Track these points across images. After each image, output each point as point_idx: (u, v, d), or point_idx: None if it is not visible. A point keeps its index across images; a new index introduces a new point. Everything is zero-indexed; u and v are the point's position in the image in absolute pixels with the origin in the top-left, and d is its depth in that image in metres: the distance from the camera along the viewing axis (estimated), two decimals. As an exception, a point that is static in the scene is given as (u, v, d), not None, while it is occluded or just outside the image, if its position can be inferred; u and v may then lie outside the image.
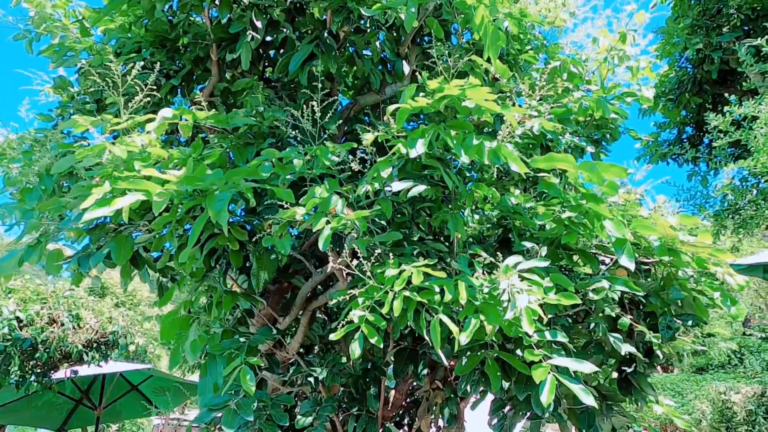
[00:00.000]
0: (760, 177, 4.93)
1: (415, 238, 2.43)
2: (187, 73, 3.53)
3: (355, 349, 1.76)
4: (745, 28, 7.18)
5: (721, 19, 7.22)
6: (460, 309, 2.03)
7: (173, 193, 2.00)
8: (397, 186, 2.19)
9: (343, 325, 1.87)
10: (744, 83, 7.39)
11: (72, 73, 3.74)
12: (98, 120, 2.38)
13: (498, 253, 3.55)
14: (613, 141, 3.74)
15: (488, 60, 2.52)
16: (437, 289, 1.95)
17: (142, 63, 2.45)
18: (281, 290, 3.18)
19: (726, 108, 5.14)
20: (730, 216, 5.51)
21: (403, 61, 3.52)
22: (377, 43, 3.01)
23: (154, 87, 2.78)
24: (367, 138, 2.13)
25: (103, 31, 3.60)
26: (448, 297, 1.90)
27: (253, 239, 2.32)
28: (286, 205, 1.96)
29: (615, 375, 2.77)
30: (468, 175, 3.19)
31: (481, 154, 1.99)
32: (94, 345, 5.15)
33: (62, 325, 4.78)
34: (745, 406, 9.92)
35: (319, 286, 3.12)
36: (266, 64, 3.81)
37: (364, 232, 1.97)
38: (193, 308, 2.45)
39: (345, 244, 2.56)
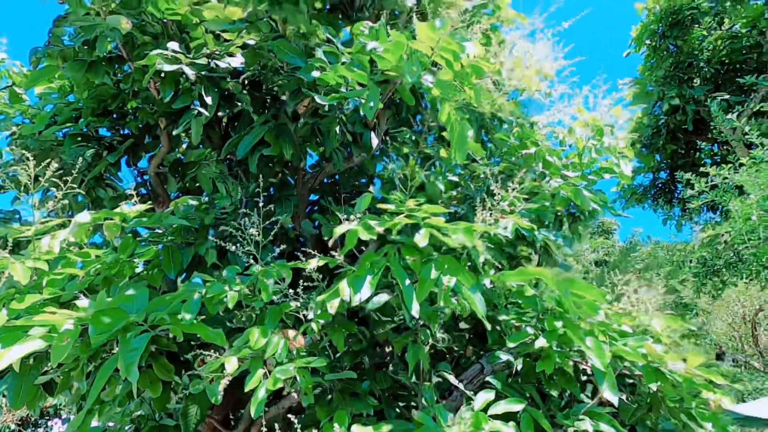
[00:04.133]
0: (735, 242, 4.85)
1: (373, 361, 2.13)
2: (132, 143, 3.21)
3: None
4: (714, 81, 7.29)
5: (692, 72, 7.32)
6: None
7: (76, 339, 1.66)
8: (358, 298, 1.90)
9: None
10: (714, 132, 7.49)
11: (4, 143, 3.37)
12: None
13: (471, 346, 3.25)
14: (591, 218, 3.56)
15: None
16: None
17: (57, 166, 2.08)
18: (230, 393, 2.82)
19: (702, 169, 5.09)
20: (709, 277, 5.43)
21: (372, 133, 3.29)
22: (337, 129, 2.75)
23: (85, 171, 2.46)
24: (312, 265, 1.84)
25: (40, 94, 3.26)
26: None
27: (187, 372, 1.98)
28: (213, 356, 1.64)
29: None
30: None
31: (437, 292, 1.72)
32: None
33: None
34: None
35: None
36: (224, 131, 3.51)
37: (307, 386, 1.66)
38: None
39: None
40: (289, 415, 1.61)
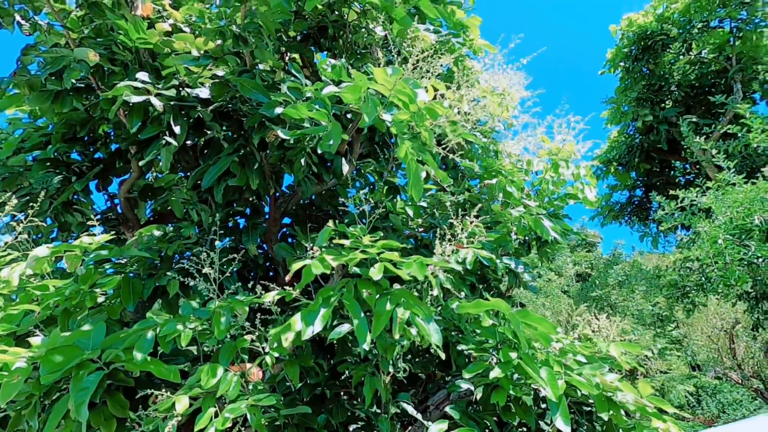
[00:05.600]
0: (704, 263, 4.99)
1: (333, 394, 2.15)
2: (102, 168, 3.21)
3: None
4: (685, 103, 7.55)
5: (663, 94, 7.57)
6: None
7: (29, 377, 1.66)
8: (310, 332, 1.94)
9: None
10: (686, 151, 7.72)
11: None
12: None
13: (438, 370, 3.28)
14: (557, 243, 3.65)
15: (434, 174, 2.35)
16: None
17: (24, 193, 2.09)
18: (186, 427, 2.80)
19: (672, 192, 5.24)
20: (679, 298, 5.57)
21: (342, 159, 3.35)
22: (303, 160, 2.80)
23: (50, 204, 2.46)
24: (269, 298, 1.87)
25: (9, 119, 3.26)
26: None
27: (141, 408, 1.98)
28: (165, 394, 1.65)
29: None
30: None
31: (393, 325, 1.77)
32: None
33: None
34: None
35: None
36: (196, 155, 3.54)
37: (259, 423, 1.68)
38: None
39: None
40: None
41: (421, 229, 3.11)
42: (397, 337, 1.74)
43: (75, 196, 3.27)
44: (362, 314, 1.73)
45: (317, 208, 4.13)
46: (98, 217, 3.40)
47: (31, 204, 3.01)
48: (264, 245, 3.41)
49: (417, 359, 3.07)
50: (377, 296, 1.87)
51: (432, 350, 3.11)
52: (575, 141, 2.89)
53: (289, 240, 3.72)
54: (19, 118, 3.28)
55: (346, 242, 1.95)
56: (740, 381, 14.05)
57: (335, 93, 2.05)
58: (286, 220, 3.93)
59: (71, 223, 3.19)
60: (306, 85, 2.52)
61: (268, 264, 3.45)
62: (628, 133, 8.32)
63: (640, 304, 14.88)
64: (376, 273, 1.75)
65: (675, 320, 15.40)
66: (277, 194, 3.53)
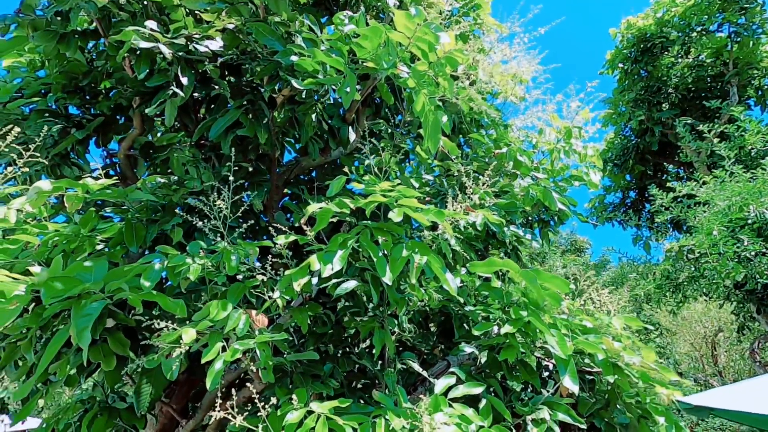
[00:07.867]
0: (698, 253, 5.05)
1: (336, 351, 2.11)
2: (103, 123, 3.13)
3: None
4: (681, 106, 7.67)
5: (661, 96, 7.68)
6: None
7: (27, 308, 1.59)
8: (329, 269, 1.88)
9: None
10: (681, 155, 7.83)
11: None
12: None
13: (439, 344, 3.26)
14: (560, 224, 3.65)
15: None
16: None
17: (19, 136, 2.01)
18: (189, 383, 2.73)
19: (668, 184, 5.30)
20: (671, 290, 5.62)
21: (349, 128, 3.31)
22: (313, 116, 2.76)
23: (45, 148, 2.37)
24: (281, 241, 1.82)
25: (7, 67, 3.15)
26: (363, 443, 1.59)
27: (141, 343, 1.92)
28: (172, 326, 1.59)
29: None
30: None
31: (409, 269, 1.73)
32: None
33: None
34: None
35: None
36: (198, 117, 3.47)
37: (267, 362, 1.63)
38: (59, 428, 1.98)
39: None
40: (250, 387, 1.57)
41: (427, 198, 3.08)
42: (413, 281, 1.71)
43: (73, 153, 3.18)
44: (380, 253, 1.69)
45: (318, 181, 4.09)
46: (95, 173, 3.30)
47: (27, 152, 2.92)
48: (264, 215, 3.36)
49: (420, 332, 3.04)
50: (393, 244, 1.84)
51: (434, 326, 3.08)
52: (581, 112, 2.88)
53: (287, 211, 3.67)
54: (17, 68, 3.18)
55: (362, 186, 1.91)
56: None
57: (353, 39, 2.01)
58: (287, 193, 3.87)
59: (68, 176, 3.09)
60: (320, 38, 2.48)
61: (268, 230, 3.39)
62: (624, 134, 8.43)
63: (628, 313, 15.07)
64: (395, 216, 1.72)
65: (659, 326, 15.61)
66: (277, 168, 3.48)
